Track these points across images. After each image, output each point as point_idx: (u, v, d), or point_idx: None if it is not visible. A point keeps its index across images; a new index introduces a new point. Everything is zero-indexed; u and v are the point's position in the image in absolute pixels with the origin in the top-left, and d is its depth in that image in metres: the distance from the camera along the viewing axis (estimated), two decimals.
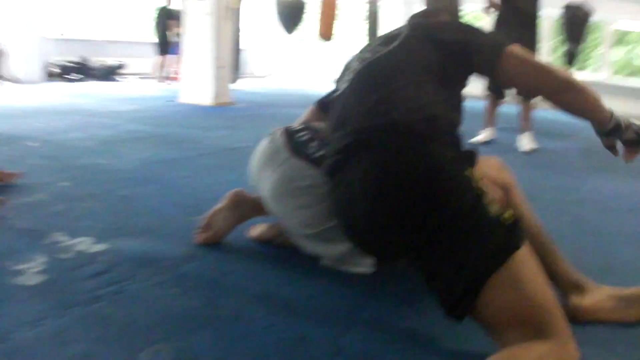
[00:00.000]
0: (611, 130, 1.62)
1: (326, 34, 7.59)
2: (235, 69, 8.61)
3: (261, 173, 1.75)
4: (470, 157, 1.43)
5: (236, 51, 8.45)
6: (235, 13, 8.20)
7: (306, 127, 1.79)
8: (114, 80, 9.51)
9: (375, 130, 1.38)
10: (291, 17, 9.14)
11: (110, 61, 9.85)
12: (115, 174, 2.96)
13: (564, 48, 7.79)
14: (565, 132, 6.44)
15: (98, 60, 9.58)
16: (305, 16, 9.25)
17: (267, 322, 1.44)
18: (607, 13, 9.46)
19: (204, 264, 1.80)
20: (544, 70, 1.54)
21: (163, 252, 1.89)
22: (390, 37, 1.60)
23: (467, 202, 1.24)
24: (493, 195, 1.40)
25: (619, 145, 1.68)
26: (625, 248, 2.29)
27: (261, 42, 12.12)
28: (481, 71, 1.57)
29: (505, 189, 1.65)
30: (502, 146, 4.80)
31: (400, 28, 1.63)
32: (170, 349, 1.29)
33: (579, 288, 1.57)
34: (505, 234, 1.22)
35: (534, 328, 1.16)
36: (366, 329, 1.44)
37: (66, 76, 8.91)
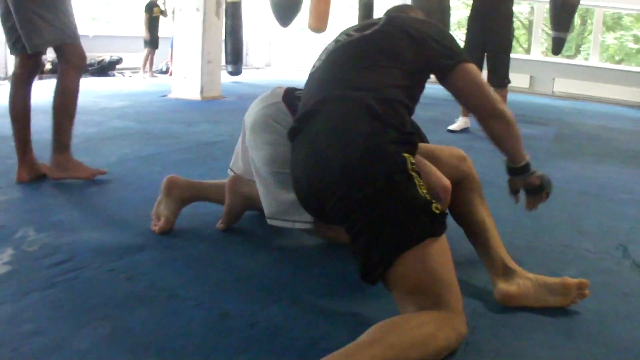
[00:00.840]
0: (520, 169, 1.89)
1: (316, 25, 7.70)
2: (238, 61, 8.81)
3: (252, 109, 2.05)
4: (412, 142, 1.52)
5: (238, 44, 8.64)
6: (236, 6, 8.40)
7: None
8: (111, 75, 9.72)
9: (327, 100, 1.59)
10: (286, 8, 9.25)
11: (107, 56, 10.04)
12: None
13: (551, 35, 7.87)
14: (544, 119, 6.62)
15: (94, 55, 9.79)
16: (301, 7, 9.33)
17: (198, 300, 1.66)
18: None
19: (154, 252, 2.03)
20: (485, 95, 1.76)
21: (120, 242, 2.11)
22: (366, 25, 1.82)
23: (397, 181, 1.37)
24: (435, 180, 1.65)
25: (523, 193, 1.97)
26: (558, 230, 2.51)
27: (262, 33, 12.26)
28: (435, 73, 1.76)
29: (462, 178, 1.85)
30: (478, 132, 4.97)
31: (378, 19, 1.85)
32: (108, 324, 1.51)
33: (508, 274, 1.70)
34: (427, 219, 1.36)
35: (430, 299, 1.33)
36: (284, 306, 1.66)
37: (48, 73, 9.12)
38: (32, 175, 2.84)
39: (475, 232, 1.84)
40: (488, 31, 4.58)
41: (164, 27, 10.20)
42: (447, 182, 1.70)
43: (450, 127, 4.88)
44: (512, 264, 1.73)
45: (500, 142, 1.82)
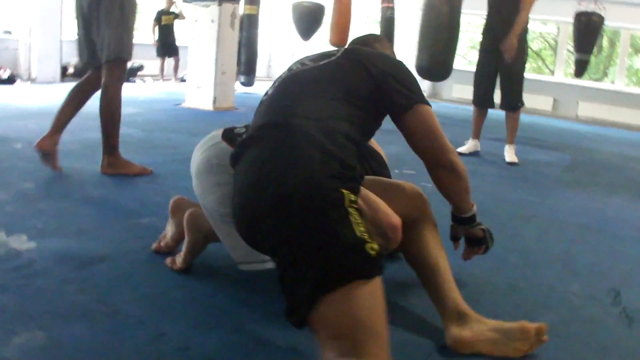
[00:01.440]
0: (465, 219, 1.86)
1: (337, 40, 7.78)
2: (251, 73, 8.91)
3: (194, 156, 1.95)
4: (354, 178, 1.44)
5: (252, 56, 8.73)
6: (252, 18, 8.50)
7: (247, 125, 1.91)
8: (132, 81, 9.90)
9: (268, 126, 1.54)
10: (308, 22, 9.35)
11: (129, 63, 10.22)
12: (82, 178, 3.22)
13: (575, 57, 7.79)
14: (562, 144, 6.51)
15: None
16: (322, 22, 9.42)
17: (139, 319, 1.66)
18: (624, 19, 9.43)
19: (113, 266, 2.03)
20: (436, 142, 1.70)
21: (85, 252, 2.13)
22: (323, 55, 1.78)
23: (329, 217, 1.28)
24: (383, 217, 1.59)
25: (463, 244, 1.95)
26: (546, 269, 2.39)
27: (285, 45, 12.37)
28: (389, 111, 1.70)
29: (416, 217, 1.78)
30: (488, 156, 4.93)
31: (336, 50, 1.81)
32: (43, 335, 1.52)
33: (461, 318, 1.62)
34: (358, 259, 1.25)
35: (350, 346, 1.20)
36: (224, 333, 1.64)
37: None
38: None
39: (427, 275, 1.76)
40: (499, 53, 4.55)
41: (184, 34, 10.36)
42: (396, 220, 1.62)
43: (459, 150, 4.84)
44: (466, 308, 1.65)
45: (446, 192, 1.78)
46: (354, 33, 8.91)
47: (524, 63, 4.72)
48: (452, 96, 11.34)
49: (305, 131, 1.45)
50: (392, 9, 8.19)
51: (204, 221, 1.98)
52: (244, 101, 7.43)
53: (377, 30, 8.78)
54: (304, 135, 1.45)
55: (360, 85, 1.64)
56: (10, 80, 8.18)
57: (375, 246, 1.28)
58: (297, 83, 1.67)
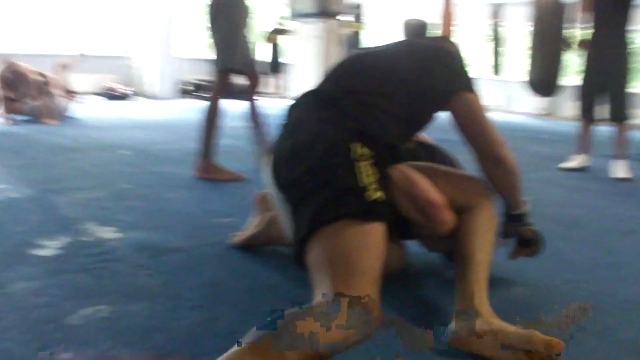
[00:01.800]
0: (517, 216, 1.84)
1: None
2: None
3: None
4: (369, 136, 1.50)
5: None
6: (356, 34, 8.70)
7: None
8: (239, 98, 10.36)
9: (314, 94, 1.71)
10: (414, 37, 9.39)
11: (243, 80, 10.72)
12: (176, 181, 3.47)
13: None
14: None
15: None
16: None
17: (197, 303, 1.77)
18: None
19: (184, 256, 2.19)
20: (485, 134, 1.70)
21: (162, 243, 2.30)
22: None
23: (332, 163, 1.41)
24: (419, 192, 1.60)
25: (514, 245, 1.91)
26: (635, 285, 2.21)
27: None
28: (438, 99, 1.73)
29: (473, 206, 1.72)
30: (596, 172, 4.69)
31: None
32: (107, 309, 1.68)
33: (470, 314, 1.54)
34: (354, 201, 1.34)
35: (337, 280, 1.24)
36: None
37: (198, 93, 9.92)
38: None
39: (459, 263, 1.69)
40: (603, 63, 4.39)
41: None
42: (434, 197, 1.62)
43: (567, 165, 4.68)
44: (480, 305, 1.55)
45: (495, 186, 1.75)
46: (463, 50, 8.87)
47: (631, 73, 4.50)
48: (567, 114, 10.83)
49: (332, 96, 1.62)
50: (501, 25, 8.05)
51: (271, 203, 2.05)
52: None
53: (488, 47, 8.63)
54: (330, 99, 1.61)
55: (409, 72, 1.70)
56: (129, 96, 8.89)
57: (379, 195, 1.37)
58: (356, 63, 1.80)
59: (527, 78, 5.37)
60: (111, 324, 1.61)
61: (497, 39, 8.27)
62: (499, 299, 1.82)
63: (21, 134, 5.18)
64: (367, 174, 1.40)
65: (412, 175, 1.62)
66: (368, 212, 1.34)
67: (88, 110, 7.07)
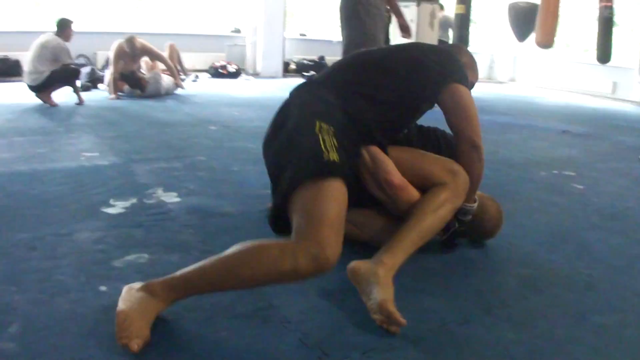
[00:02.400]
0: (466, 211, 2.11)
1: (543, 40, 7.63)
2: None
3: None
4: (335, 118, 1.79)
5: None
6: (463, 18, 8.68)
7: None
8: None
9: (307, 84, 2.03)
10: (523, 23, 9.25)
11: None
12: (248, 155, 3.83)
13: None
14: None
15: (333, 59, 10.87)
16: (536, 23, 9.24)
17: None
18: None
19: (228, 219, 2.54)
20: (468, 121, 1.97)
21: (213, 208, 2.68)
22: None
23: (298, 136, 1.74)
24: (381, 173, 1.89)
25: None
26: None
27: (508, 47, 12.21)
28: (430, 91, 2.00)
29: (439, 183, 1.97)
30: None
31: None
32: (147, 257, 2.07)
33: (376, 258, 1.80)
34: (313, 163, 1.63)
35: (302, 231, 1.53)
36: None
37: (303, 73, 10.34)
38: None
39: (403, 221, 1.91)
40: None
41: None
42: (393, 178, 1.90)
43: None
44: (388, 258, 1.79)
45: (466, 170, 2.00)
46: (565, 33, 8.60)
47: None
48: None
49: (320, 86, 1.94)
50: (611, 8, 7.73)
51: None
52: None
53: (594, 31, 8.32)
54: (318, 88, 1.93)
55: (400, 69, 1.97)
56: (237, 74, 9.44)
57: (334, 157, 1.64)
58: (356, 58, 2.11)
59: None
60: (146, 268, 1.98)
61: (606, 22, 7.95)
62: (501, 274, 2.06)
63: (122, 107, 5.80)
64: (328, 143, 1.68)
65: (378, 156, 1.88)
66: (323, 170, 1.62)
67: (194, 87, 7.66)
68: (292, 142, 1.75)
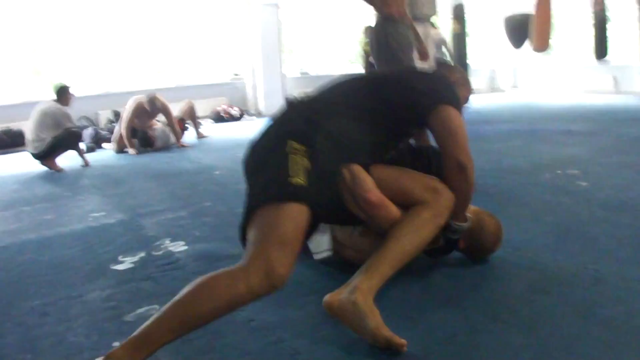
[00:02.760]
0: (453, 227, 2.10)
1: (539, 46, 7.76)
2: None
3: None
4: (309, 137, 1.80)
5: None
6: (460, 37, 8.86)
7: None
8: None
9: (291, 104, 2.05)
10: (518, 31, 9.40)
11: None
12: None
13: None
14: None
15: None
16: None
17: None
18: None
19: (235, 262, 2.58)
20: (455, 142, 1.99)
21: (220, 252, 2.74)
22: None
23: (271, 156, 1.79)
24: (359, 191, 1.90)
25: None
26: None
27: (508, 56, 12.31)
28: (417, 114, 2.04)
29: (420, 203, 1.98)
30: None
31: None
32: (159, 309, 2.12)
33: (350, 288, 1.76)
34: (276, 187, 1.68)
35: (251, 252, 1.61)
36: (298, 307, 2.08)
37: None
38: None
39: (382, 241, 1.92)
40: None
41: None
42: (370, 196, 1.90)
43: None
44: (365, 283, 1.76)
45: (453, 191, 2.01)
46: (559, 38, 8.69)
47: None
48: None
49: (301, 103, 2.00)
50: (604, 9, 7.87)
51: None
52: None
53: (590, 33, 8.41)
54: (296, 106, 1.99)
55: (392, 93, 2.02)
56: (240, 117, 9.58)
57: (300, 181, 1.68)
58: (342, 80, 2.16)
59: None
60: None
61: (600, 21, 8.06)
62: (507, 281, 2.15)
63: (126, 164, 5.93)
64: (296, 164, 1.71)
65: (358, 174, 1.92)
66: (284, 194, 1.67)
67: (196, 135, 7.79)
68: (262, 160, 1.82)
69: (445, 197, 1.98)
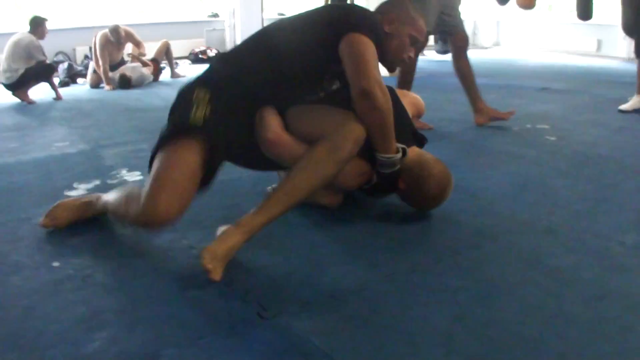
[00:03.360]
0: (382, 159, 1.97)
1: (524, 2, 7.55)
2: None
3: None
4: (210, 83, 1.94)
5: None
6: None
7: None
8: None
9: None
10: None
11: None
12: None
13: None
14: None
15: None
16: None
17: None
18: None
19: None
20: (359, 68, 1.84)
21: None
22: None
23: (180, 103, 1.95)
24: (259, 130, 1.91)
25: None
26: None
27: (490, 12, 12.14)
28: (327, 46, 1.92)
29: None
30: None
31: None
32: (101, 233, 2.09)
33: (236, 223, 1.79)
34: (172, 128, 1.87)
35: (145, 195, 1.77)
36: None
37: None
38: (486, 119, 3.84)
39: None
40: None
41: None
42: (267, 134, 1.89)
43: (621, 107, 4.54)
44: (247, 217, 1.78)
45: (364, 123, 1.86)
46: None
47: None
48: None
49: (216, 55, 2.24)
50: None
51: None
52: (438, 68, 7.39)
53: None
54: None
55: (298, 24, 2.04)
56: None
57: (195, 120, 1.83)
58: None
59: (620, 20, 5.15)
60: (98, 243, 2.01)
61: None
62: (457, 225, 2.12)
63: (98, 99, 5.78)
64: (198, 107, 1.84)
65: (264, 115, 1.91)
66: (178, 133, 1.83)
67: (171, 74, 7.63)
68: (175, 104, 1.98)
69: (348, 129, 1.82)
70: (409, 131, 2.25)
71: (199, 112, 1.82)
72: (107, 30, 6.56)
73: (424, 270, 1.79)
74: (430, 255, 1.89)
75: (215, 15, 10.23)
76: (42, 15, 5.84)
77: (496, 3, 8.62)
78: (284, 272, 1.77)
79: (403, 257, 1.88)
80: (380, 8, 2.18)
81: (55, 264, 1.86)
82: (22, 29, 5.88)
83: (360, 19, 1.97)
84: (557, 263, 1.83)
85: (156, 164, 1.81)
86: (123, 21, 7.54)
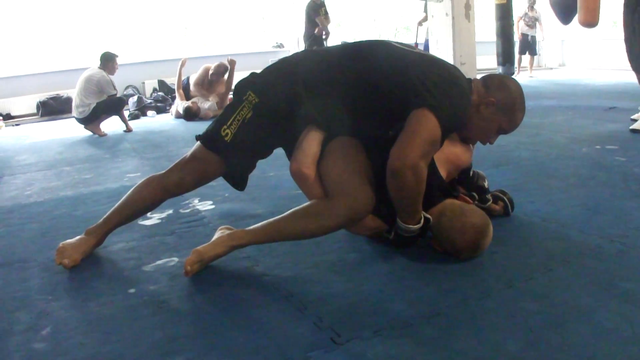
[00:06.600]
0: (399, 227, 2.01)
1: (586, 19, 7.40)
2: (508, 62, 8.94)
3: None
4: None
5: (508, 45, 8.77)
6: (504, 7, 8.60)
7: None
8: None
9: None
10: (564, 6, 9.03)
11: None
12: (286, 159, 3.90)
13: None
14: None
15: None
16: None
17: (247, 254, 2.18)
18: None
19: (258, 220, 2.60)
20: (402, 145, 1.84)
21: (244, 212, 2.76)
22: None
23: (234, 102, 2.07)
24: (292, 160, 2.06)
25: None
26: None
27: (555, 32, 11.96)
28: (403, 107, 1.92)
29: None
30: None
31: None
32: (177, 261, 2.16)
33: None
34: (209, 135, 2.08)
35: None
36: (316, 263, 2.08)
37: None
38: None
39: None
40: None
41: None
42: (293, 165, 2.05)
43: (633, 127, 4.34)
44: (242, 231, 2.03)
45: (394, 201, 1.96)
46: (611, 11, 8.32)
47: None
48: None
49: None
50: None
51: None
52: None
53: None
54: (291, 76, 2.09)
55: (385, 78, 1.97)
56: None
57: (225, 134, 2.00)
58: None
59: None
60: (174, 270, 2.07)
61: None
62: (528, 249, 2.08)
63: (168, 130, 6.02)
64: (238, 115, 1.99)
65: (303, 141, 2.01)
66: (207, 142, 2.08)
67: None
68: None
69: (342, 204, 1.93)
70: (436, 193, 2.13)
71: (233, 124, 2.01)
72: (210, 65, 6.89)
73: (496, 295, 1.76)
74: (502, 280, 1.86)
75: (280, 46, 10.45)
76: (113, 52, 6.11)
77: (559, 23, 8.52)
78: (357, 299, 1.77)
79: (474, 282, 1.86)
80: (485, 82, 2.11)
81: (132, 290, 1.93)
82: (91, 64, 6.18)
83: (447, 98, 1.89)
84: (631, 287, 1.77)
85: (192, 155, 2.15)
86: (188, 54, 7.83)
